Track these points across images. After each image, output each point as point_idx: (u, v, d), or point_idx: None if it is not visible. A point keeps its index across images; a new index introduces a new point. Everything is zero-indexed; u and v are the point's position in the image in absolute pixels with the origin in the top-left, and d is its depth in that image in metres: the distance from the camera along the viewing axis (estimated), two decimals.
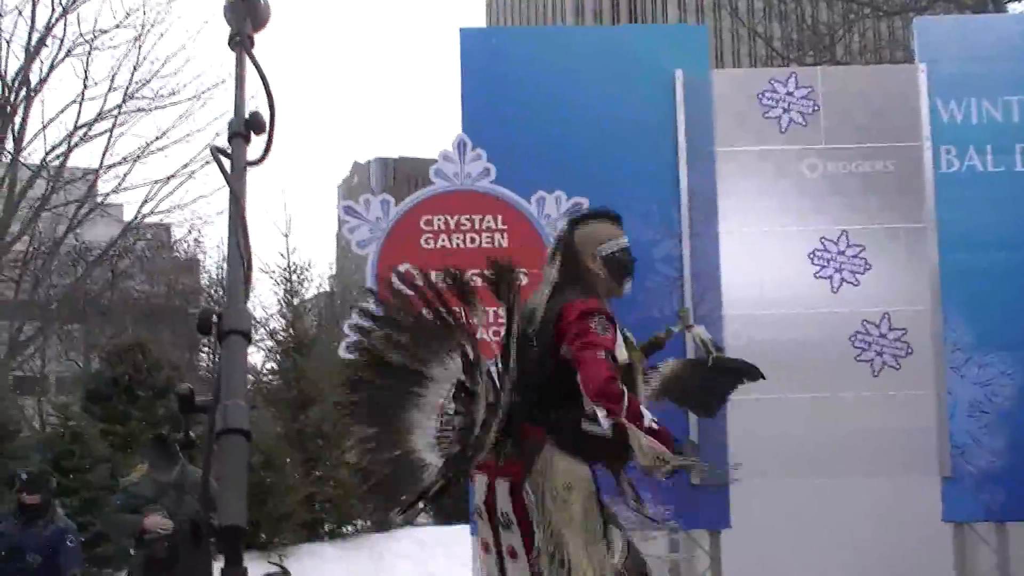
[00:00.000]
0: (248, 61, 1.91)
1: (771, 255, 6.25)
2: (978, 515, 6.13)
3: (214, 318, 1.53)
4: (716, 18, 50.34)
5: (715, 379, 4.90)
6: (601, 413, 3.88)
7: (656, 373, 4.82)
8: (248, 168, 1.78)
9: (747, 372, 4.86)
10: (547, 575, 3.96)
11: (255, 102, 1.86)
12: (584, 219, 4.53)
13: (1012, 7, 16.59)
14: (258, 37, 1.97)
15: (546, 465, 4.01)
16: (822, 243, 6.25)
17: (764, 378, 4.81)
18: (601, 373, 3.96)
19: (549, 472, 4.01)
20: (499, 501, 4.08)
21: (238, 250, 1.65)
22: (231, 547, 1.38)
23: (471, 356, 3.91)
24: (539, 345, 4.23)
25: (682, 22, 54.26)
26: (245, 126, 1.80)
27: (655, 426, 3.92)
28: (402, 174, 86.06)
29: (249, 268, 1.64)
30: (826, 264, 6.23)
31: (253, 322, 22.11)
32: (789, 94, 6.37)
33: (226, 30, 1.97)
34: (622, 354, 4.19)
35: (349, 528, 13.88)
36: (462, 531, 6.45)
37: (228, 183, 1.70)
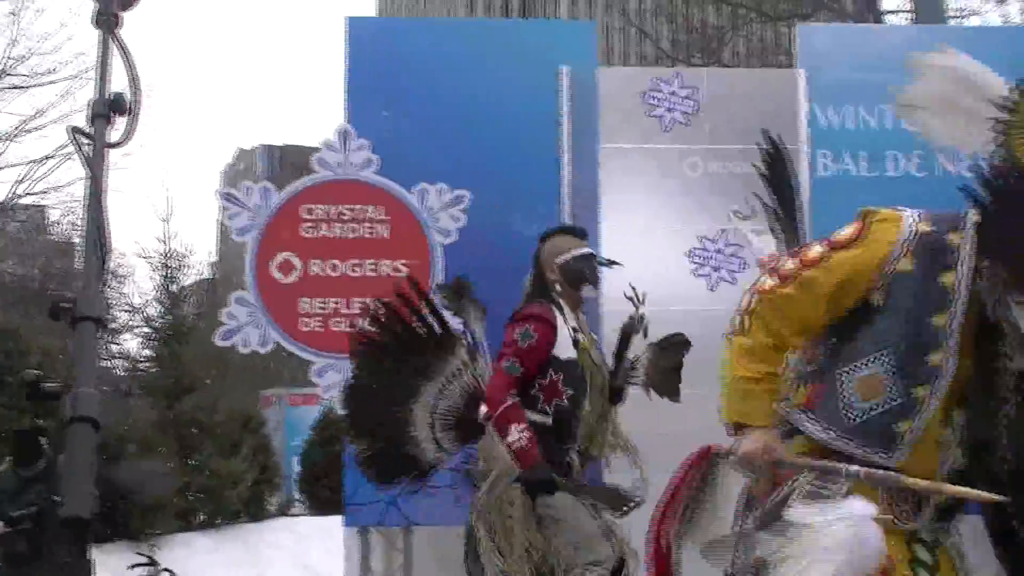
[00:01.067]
0: (115, 40, 1.85)
1: (651, 253, 6.28)
2: None
3: (63, 304, 1.47)
4: (607, 16, 50.67)
5: (668, 358, 5.24)
6: (483, 410, 4.69)
7: (641, 365, 5.15)
8: (109, 150, 1.72)
9: (682, 343, 5.24)
10: (481, 548, 4.52)
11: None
12: (550, 234, 5.08)
13: (889, 19, 16.97)
14: (133, 15, 1.91)
15: (495, 453, 4.59)
16: (701, 242, 6.32)
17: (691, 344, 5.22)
18: (494, 380, 4.72)
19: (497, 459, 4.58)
20: None
21: (96, 234, 1.59)
22: (76, 538, 1.33)
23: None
24: None
25: (574, 19, 54.41)
26: (108, 107, 1.74)
27: (522, 443, 4.51)
28: (288, 161, 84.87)
29: (106, 252, 1.58)
30: (704, 263, 6.30)
31: (130, 308, 21.67)
32: (673, 94, 6.43)
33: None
34: (567, 353, 4.77)
35: (222, 518, 13.66)
36: (336, 521, 6.38)
37: (86, 165, 1.64)
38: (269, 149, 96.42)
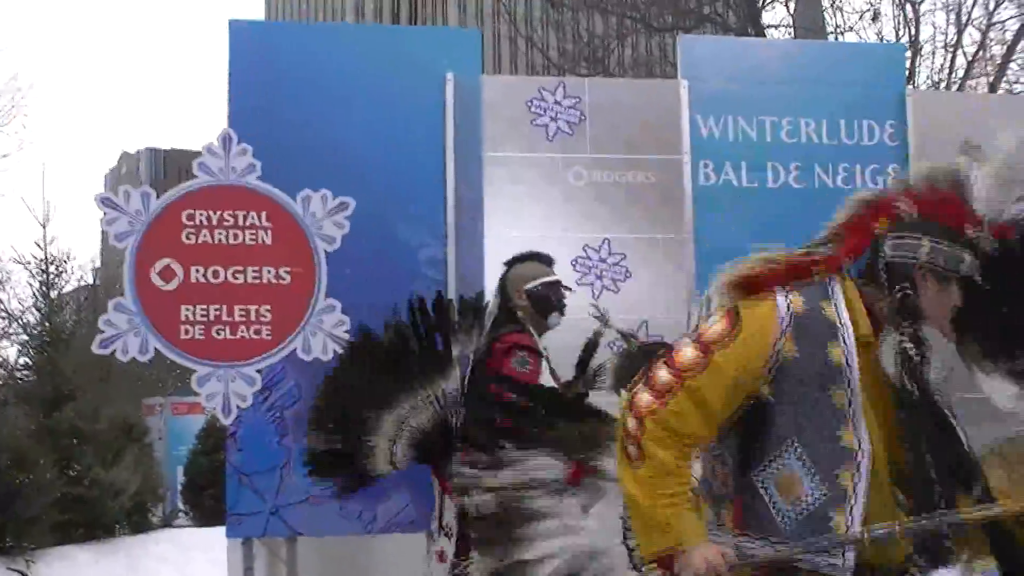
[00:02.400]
0: None
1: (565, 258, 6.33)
2: None
3: None
4: (495, 24, 50.82)
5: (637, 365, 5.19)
6: None
7: (605, 372, 5.20)
8: None
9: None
10: None
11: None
12: (517, 260, 5.21)
13: (771, 33, 17.32)
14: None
15: None
16: (585, 251, 6.39)
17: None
18: None
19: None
20: (446, 514, 4.71)
21: None
22: None
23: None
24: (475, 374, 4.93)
25: (462, 26, 54.55)
26: None
27: None
28: (174, 166, 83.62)
29: None
30: (588, 271, 6.37)
31: (6, 316, 21.10)
32: (557, 103, 6.49)
33: None
34: (547, 380, 4.88)
35: (103, 531, 13.36)
36: (219, 533, 6.30)
37: None
38: (154, 153, 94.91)
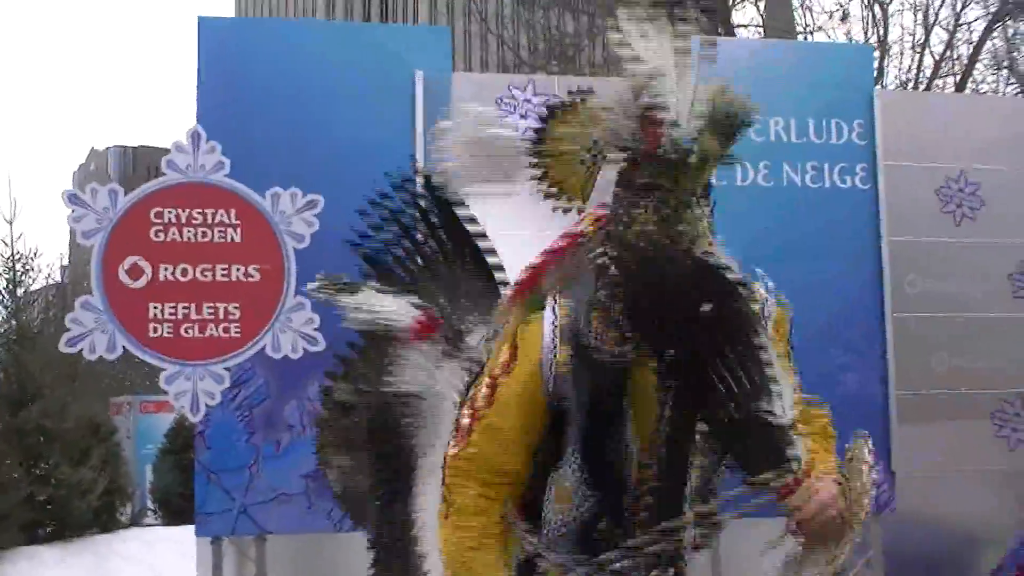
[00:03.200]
0: None
1: (510, 255, 6.31)
2: None
3: None
4: (467, 22, 50.79)
5: None
6: None
7: None
8: None
9: None
10: None
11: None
12: None
13: (740, 32, 17.39)
14: None
15: None
16: None
17: None
18: None
19: None
20: None
21: None
22: None
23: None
24: None
25: (433, 24, 54.48)
26: None
27: None
28: (142, 163, 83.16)
29: None
30: None
31: None
32: (527, 100, 6.49)
33: None
34: None
35: (71, 530, 13.29)
36: (188, 531, 6.28)
37: None
38: (122, 150, 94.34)
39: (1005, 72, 18.14)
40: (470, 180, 2.82)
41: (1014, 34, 17.97)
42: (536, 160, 2.89)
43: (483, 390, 2.77)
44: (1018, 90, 17.70)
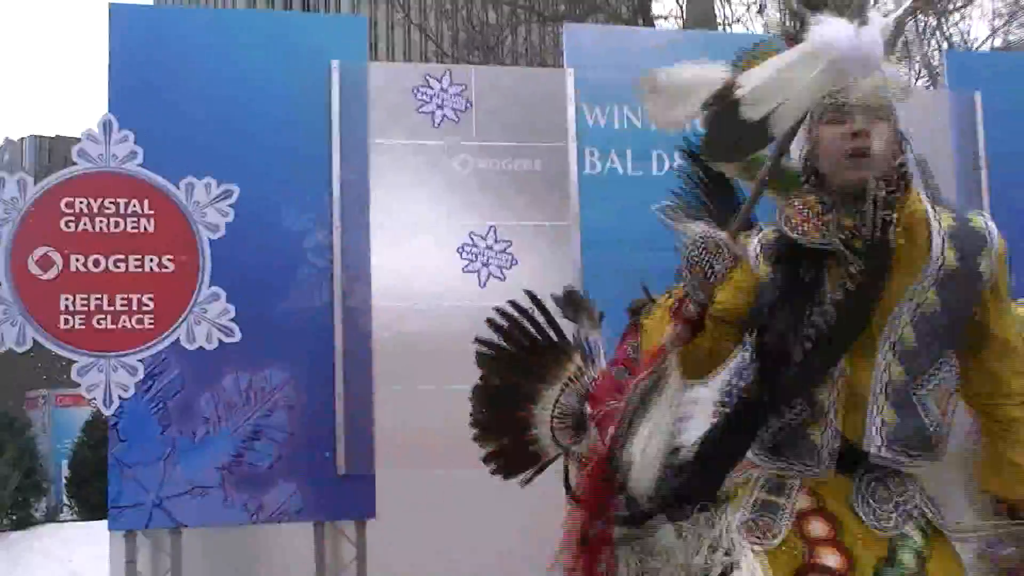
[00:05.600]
0: None
1: (421, 249, 6.33)
2: None
3: None
4: (389, 13, 50.56)
5: None
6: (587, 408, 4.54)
7: None
8: None
9: None
10: None
11: None
12: None
13: (660, 23, 17.53)
14: None
15: None
16: (471, 238, 6.39)
17: None
18: (603, 383, 4.51)
19: None
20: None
21: None
22: None
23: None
24: None
25: (354, 13, 54.13)
26: None
27: None
28: (59, 153, 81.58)
29: None
30: (474, 259, 6.38)
31: None
32: (444, 90, 6.48)
33: None
34: None
35: None
36: (104, 526, 6.19)
37: None
38: (38, 140, 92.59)
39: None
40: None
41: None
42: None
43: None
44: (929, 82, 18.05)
